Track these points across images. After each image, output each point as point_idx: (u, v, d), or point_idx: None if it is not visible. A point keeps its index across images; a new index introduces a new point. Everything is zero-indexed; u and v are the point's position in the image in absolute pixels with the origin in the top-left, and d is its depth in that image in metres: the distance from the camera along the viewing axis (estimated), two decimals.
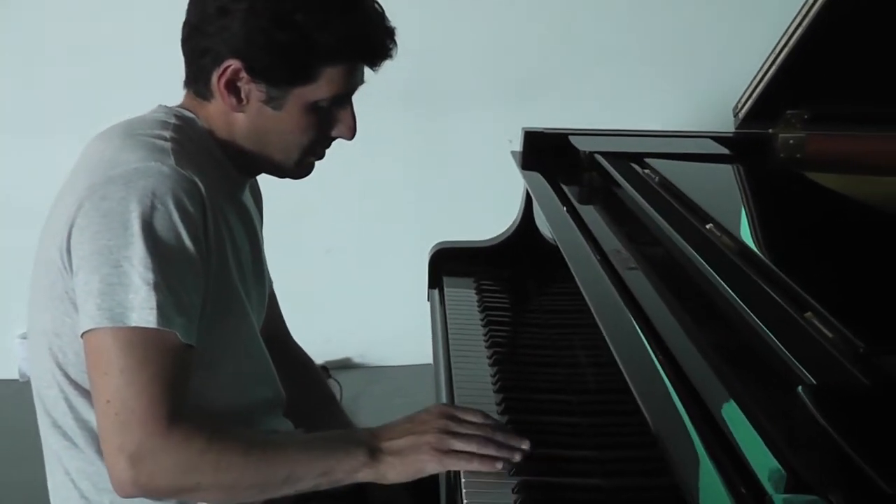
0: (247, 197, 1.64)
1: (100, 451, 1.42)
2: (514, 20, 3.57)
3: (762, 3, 3.52)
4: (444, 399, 1.73)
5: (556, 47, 3.61)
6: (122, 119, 1.52)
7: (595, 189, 2.09)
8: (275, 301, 1.87)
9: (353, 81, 1.52)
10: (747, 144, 2.21)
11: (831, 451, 0.89)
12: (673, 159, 2.02)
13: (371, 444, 1.40)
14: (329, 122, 1.54)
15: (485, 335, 1.95)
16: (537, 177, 2.14)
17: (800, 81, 2.09)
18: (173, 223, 1.35)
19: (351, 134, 1.56)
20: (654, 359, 1.24)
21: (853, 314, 1.17)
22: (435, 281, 2.26)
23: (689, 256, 1.49)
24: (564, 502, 1.43)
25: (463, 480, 1.40)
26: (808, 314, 1.19)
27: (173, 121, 1.49)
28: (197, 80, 1.51)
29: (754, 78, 2.13)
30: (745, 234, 1.58)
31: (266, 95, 1.48)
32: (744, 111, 2.17)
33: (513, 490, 1.39)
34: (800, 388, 0.99)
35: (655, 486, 1.23)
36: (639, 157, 2.02)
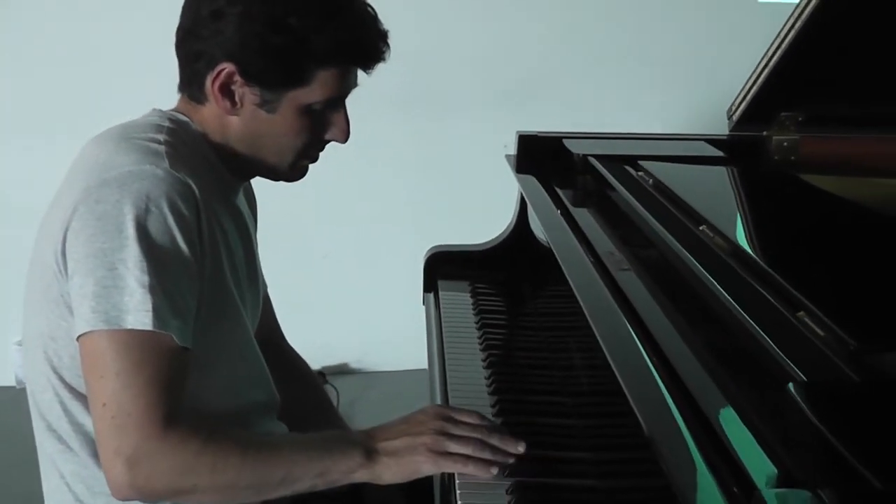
0: (241, 200, 1.65)
1: (94, 455, 1.43)
2: (509, 25, 3.58)
3: (756, 7, 3.54)
4: (438, 401, 1.74)
5: (551, 52, 3.62)
6: (119, 121, 1.53)
7: (589, 192, 2.09)
8: (269, 304, 1.87)
9: (347, 84, 1.53)
10: (741, 147, 2.22)
11: (822, 447, 0.89)
12: (667, 162, 2.03)
13: (367, 444, 1.40)
14: (322, 126, 1.54)
15: (479, 338, 1.95)
16: (532, 180, 2.14)
17: (793, 84, 2.10)
18: (168, 226, 1.35)
19: (344, 137, 1.56)
20: (648, 361, 1.25)
21: (845, 313, 1.17)
22: (430, 285, 2.26)
23: (683, 258, 1.49)
24: (558, 503, 1.43)
25: (457, 481, 1.41)
26: (801, 314, 1.19)
27: (167, 124, 1.49)
28: (191, 84, 1.51)
29: (748, 80, 2.13)
30: (739, 236, 1.59)
31: (260, 99, 1.48)
32: (738, 114, 2.17)
33: (507, 491, 1.39)
34: (791, 385, 1.00)
35: (649, 487, 1.23)
36: (633, 160, 2.02)
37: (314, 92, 1.49)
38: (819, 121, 2.20)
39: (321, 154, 1.61)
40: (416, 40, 3.33)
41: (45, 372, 1.46)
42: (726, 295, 1.32)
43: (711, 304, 1.36)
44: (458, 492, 1.40)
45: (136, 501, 1.35)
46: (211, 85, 1.47)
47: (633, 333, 1.34)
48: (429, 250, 2.32)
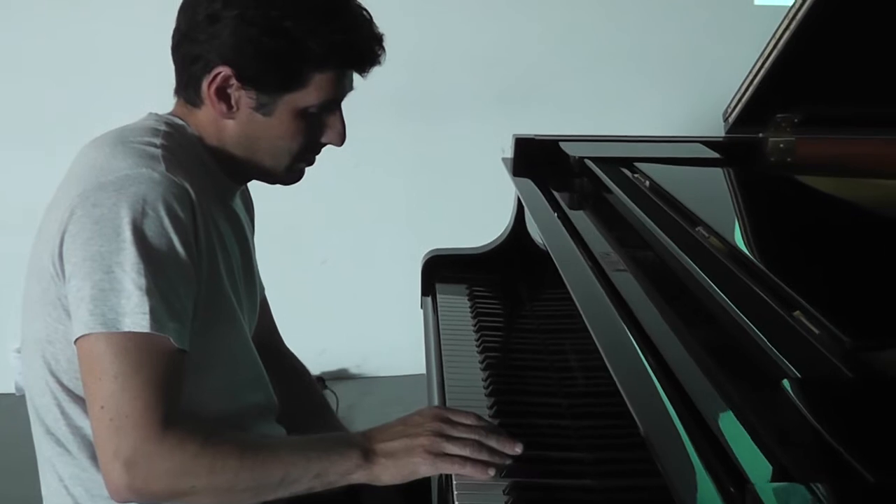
0: (237, 204, 1.65)
1: (93, 458, 1.43)
2: (506, 27, 3.58)
3: (752, 9, 3.55)
4: (436, 402, 1.74)
5: (547, 55, 3.63)
6: (115, 125, 1.53)
7: (586, 194, 2.09)
8: (267, 308, 1.88)
9: (342, 87, 1.53)
10: (737, 149, 2.22)
11: (817, 443, 0.90)
12: (663, 164, 2.03)
13: (365, 445, 1.40)
14: (319, 129, 1.55)
15: (477, 340, 1.96)
16: (528, 183, 2.14)
17: (789, 85, 2.10)
18: (164, 229, 1.35)
19: (340, 140, 1.57)
20: (644, 360, 1.25)
21: (840, 312, 1.17)
22: (428, 288, 2.27)
23: (679, 259, 1.49)
24: (555, 503, 1.43)
25: (455, 482, 1.41)
26: (797, 313, 1.20)
27: (163, 128, 1.49)
28: (187, 88, 1.52)
29: (743, 82, 2.13)
30: (735, 236, 1.59)
31: (256, 102, 1.49)
32: (733, 116, 2.17)
33: (504, 491, 1.40)
34: (786, 382, 1.00)
35: (645, 487, 1.24)
36: (629, 162, 2.02)
37: (310, 95, 1.49)
38: (815, 122, 2.20)
39: (318, 158, 1.61)
40: (413, 43, 3.34)
41: (43, 375, 1.46)
42: (722, 294, 1.32)
43: (707, 303, 1.36)
44: (455, 493, 1.40)
45: (135, 503, 1.36)
46: (207, 88, 1.48)
47: (629, 334, 1.34)
48: (426, 254, 2.33)
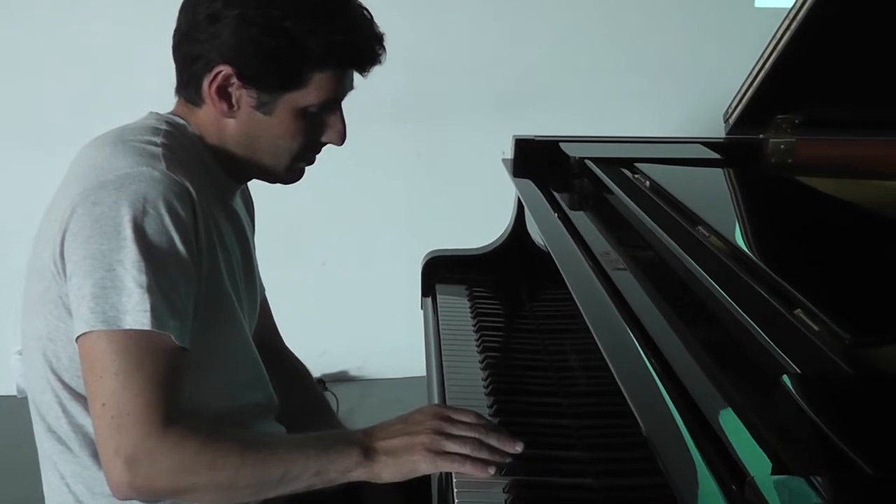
0: (238, 204, 1.65)
1: (94, 455, 1.44)
2: (507, 29, 3.59)
3: (753, 12, 3.56)
4: (436, 401, 1.75)
5: (548, 57, 3.63)
6: (115, 124, 1.53)
7: (586, 195, 2.10)
8: (268, 308, 1.88)
9: (343, 87, 1.54)
10: (738, 150, 2.22)
11: (816, 436, 0.90)
12: (663, 164, 2.03)
13: (365, 443, 1.40)
14: (319, 128, 1.55)
15: (477, 340, 1.96)
16: (528, 184, 2.14)
17: (789, 87, 2.10)
18: (165, 227, 1.36)
19: (340, 139, 1.57)
20: (646, 361, 1.25)
21: (839, 309, 1.17)
22: (428, 289, 2.27)
23: (680, 258, 1.50)
24: (554, 502, 1.43)
25: (455, 480, 1.41)
26: (797, 311, 1.20)
27: (164, 127, 1.50)
28: (188, 87, 1.52)
29: (744, 84, 2.14)
30: (735, 236, 1.59)
31: (257, 101, 1.49)
32: (734, 117, 2.18)
33: (504, 490, 1.40)
34: (786, 378, 1.00)
35: (645, 485, 1.24)
36: (629, 163, 2.02)
37: (310, 94, 1.50)
38: (815, 123, 2.21)
39: (318, 160, 1.62)
40: (414, 44, 3.35)
41: (45, 373, 1.47)
42: (722, 293, 1.32)
43: (708, 302, 1.37)
44: (455, 491, 1.40)
45: (137, 501, 1.36)
46: (208, 87, 1.48)
47: (630, 333, 1.34)
48: (426, 255, 2.33)
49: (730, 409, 1.09)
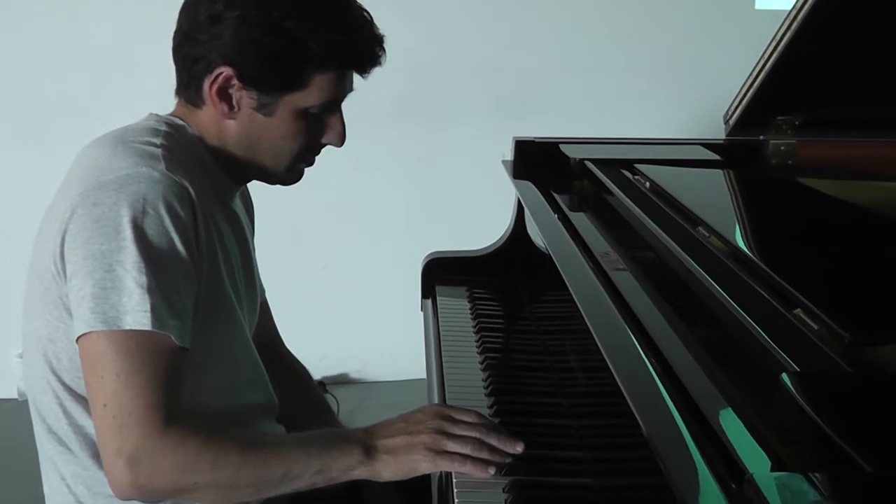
0: (237, 205, 1.66)
1: (95, 456, 1.44)
2: (507, 30, 3.59)
3: (754, 14, 3.56)
4: (436, 401, 1.75)
5: (548, 58, 3.64)
6: (115, 125, 1.53)
7: (586, 196, 2.10)
8: (268, 310, 1.88)
9: (343, 88, 1.54)
10: (738, 151, 2.22)
11: (815, 435, 0.90)
12: (663, 165, 2.03)
13: (366, 441, 1.41)
14: (319, 129, 1.55)
15: (477, 342, 1.96)
16: (528, 185, 2.15)
17: (789, 88, 2.10)
18: (164, 227, 1.36)
19: (340, 141, 1.57)
20: (647, 362, 1.25)
21: (838, 309, 1.18)
22: (428, 291, 2.27)
23: (680, 258, 1.50)
24: (554, 502, 1.43)
25: (455, 480, 1.41)
26: (797, 310, 1.20)
27: (164, 128, 1.50)
28: (188, 88, 1.52)
29: (744, 85, 2.14)
30: (735, 236, 1.59)
31: (257, 102, 1.49)
32: (734, 118, 2.18)
33: (504, 489, 1.40)
34: (786, 376, 1.00)
35: (645, 486, 1.24)
36: (629, 164, 2.03)
37: (311, 95, 1.50)
38: (815, 125, 2.21)
39: (318, 163, 1.62)
40: (414, 47, 3.35)
41: (45, 374, 1.47)
42: (722, 292, 1.32)
43: (708, 301, 1.37)
44: (455, 491, 1.40)
45: (138, 501, 1.36)
46: (209, 88, 1.48)
47: (630, 334, 1.34)
48: (426, 257, 2.33)
49: (730, 408, 1.09)
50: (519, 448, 1.44)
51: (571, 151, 2.19)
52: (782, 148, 2.21)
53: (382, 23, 1.54)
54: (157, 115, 1.55)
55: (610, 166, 2.05)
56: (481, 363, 1.85)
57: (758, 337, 1.18)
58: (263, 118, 1.51)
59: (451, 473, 1.42)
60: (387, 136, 3.53)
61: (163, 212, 1.36)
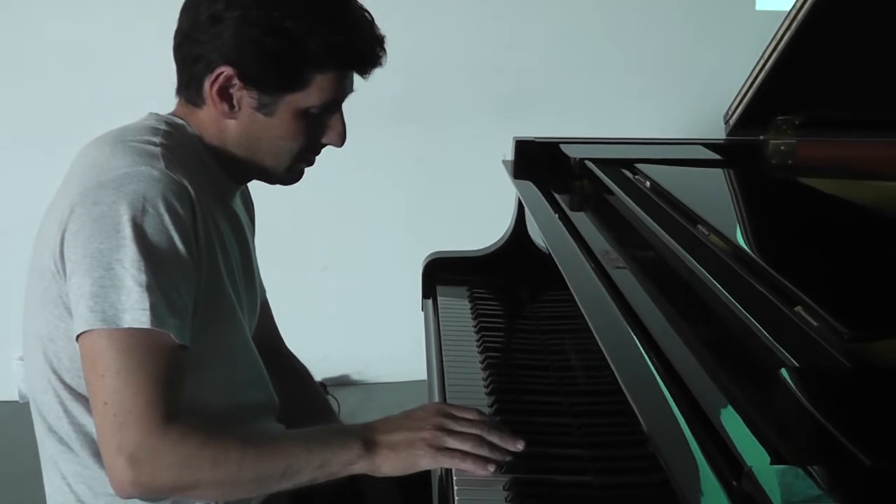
0: (237, 204, 1.66)
1: (96, 455, 1.44)
2: (507, 32, 3.59)
3: (754, 14, 3.56)
4: (436, 399, 1.75)
5: (548, 58, 3.64)
6: (115, 125, 1.53)
7: (586, 196, 2.10)
8: (268, 310, 1.88)
9: (343, 88, 1.54)
10: (738, 151, 2.22)
11: (815, 429, 0.91)
12: (664, 165, 2.03)
13: (366, 436, 1.41)
14: (319, 129, 1.55)
15: (477, 341, 1.96)
16: (529, 185, 2.15)
17: (789, 88, 2.10)
18: (164, 226, 1.36)
19: (341, 141, 1.57)
20: (647, 360, 1.25)
21: (838, 305, 1.18)
22: (429, 291, 2.27)
23: (680, 256, 1.50)
24: (555, 500, 1.44)
25: (455, 477, 1.42)
26: (798, 308, 1.20)
27: (163, 127, 1.50)
28: (189, 87, 1.52)
29: (744, 85, 2.14)
30: (735, 235, 1.59)
31: (258, 102, 1.49)
32: (734, 118, 2.18)
33: (504, 487, 1.40)
34: (784, 372, 1.01)
35: (645, 483, 1.24)
36: (629, 164, 2.03)
37: (311, 96, 1.50)
38: (815, 125, 2.21)
39: (319, 163, 1.62)
40: (414, 47, 3.36)
41: (45, 373, 1.47)
42: (722, 290, 1.33)
43: (708, 299, 1.37)
44: (455, 488, 1.40)
45: (139, 499, 1.37)
46: (209, 88, 1.48)
47: (631, 333, 1.34)
48: (427, 257, 2.33)
49: (730, 405, 1.09)
50: (519, 446, 1.44)
51: (572, 151, 2.19)
52: (782, 148, 2.21)
53: (383, 23, 1.54)
54: (156, 114, 1.55)
55: (610, 166, 2.05)
56: (482, 362, 1.85)
57: (758, 334, 1.18)
58: (264, 118, 1.51)
59: (451, 471, 1.43)
60: (387, 136, 3.52)
61: (162, 210, 1.36)
